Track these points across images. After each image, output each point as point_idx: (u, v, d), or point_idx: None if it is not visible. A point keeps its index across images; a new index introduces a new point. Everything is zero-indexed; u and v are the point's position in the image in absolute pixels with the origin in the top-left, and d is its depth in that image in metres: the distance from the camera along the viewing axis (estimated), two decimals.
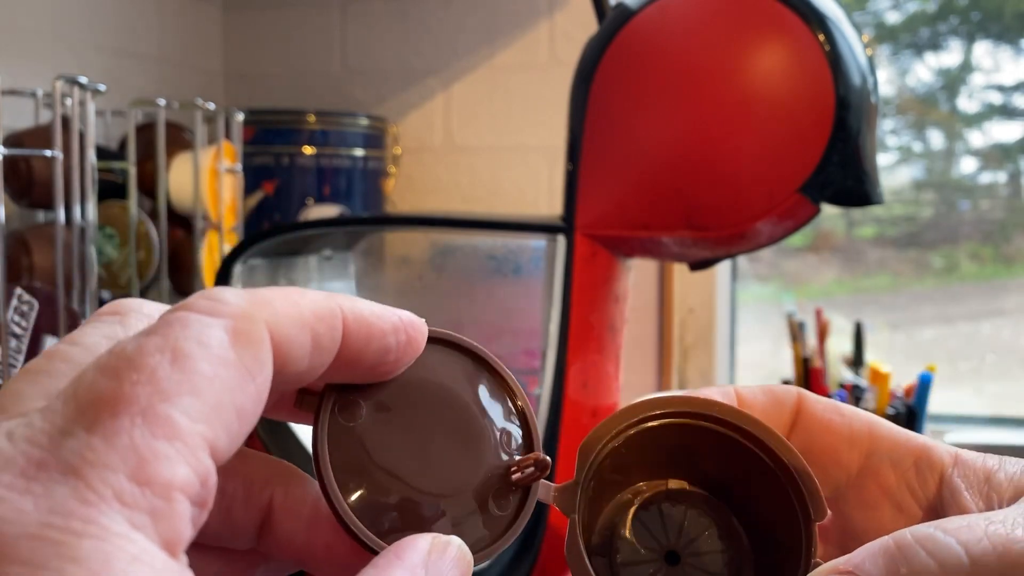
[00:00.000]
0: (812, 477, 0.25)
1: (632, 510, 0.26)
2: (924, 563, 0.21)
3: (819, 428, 0.27)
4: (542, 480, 0.24)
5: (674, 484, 0.26)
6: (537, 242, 0.80)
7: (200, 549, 0.23)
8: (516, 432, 0.24)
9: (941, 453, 0.26)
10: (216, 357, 0.18)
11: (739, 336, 1.37)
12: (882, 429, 0.26)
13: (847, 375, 1.12)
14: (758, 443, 0.25)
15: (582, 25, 1.26)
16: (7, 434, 0.16)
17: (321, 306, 0.20)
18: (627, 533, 0.26)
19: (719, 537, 0.26)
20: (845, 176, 0.63)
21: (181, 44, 1.32)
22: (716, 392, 0.26)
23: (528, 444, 0.24)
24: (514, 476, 0.23)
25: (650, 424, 0.26)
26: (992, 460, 0.25)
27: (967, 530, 0.21)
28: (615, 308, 0.75)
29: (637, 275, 1.23)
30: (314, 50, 1.38)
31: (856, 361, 1.12)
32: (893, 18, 1.42)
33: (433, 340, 0.23)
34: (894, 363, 1.10)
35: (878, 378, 1.07)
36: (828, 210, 0.65)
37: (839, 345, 1.14)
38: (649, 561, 0.25)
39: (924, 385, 1.04)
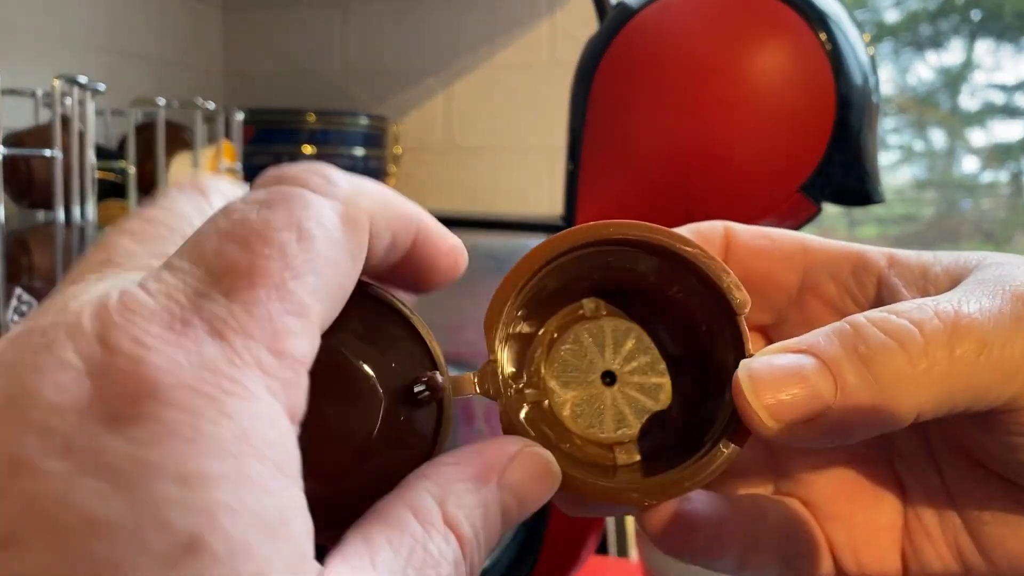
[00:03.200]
0: (726, 270, 0.24)
1: (551, 349, 0.25)
2: (882, 341, 0.21)
3: (751, 255, 0.26)
4: (450, 378, 0.23)
5: (589, 305, 0.26)
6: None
7: None
8: (417, 353, 0.23)
9: (875, 256, 0.25)
10: (331, 239, 0.18)
11: None
12: (814, 244, 0.26)
13: None
14: (665, 250, 0.24)
15: (582, 24, 1.26)
16: (142, 288, 0.17)
17: (404, 210, 0.21)
18: (553, 380, 0.25)
19: (649, 340, 0.25)
20: (846, 175, 0.63)
21: (181, 44, 1.32)
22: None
23: (430, 360, 0.23)
24: (419, 396, 0.22)
25: (548, 267, 0.25)
26: (927, 255, 0.25)
27: (918, 311, 0.21)
28: None
29: None
30: (314, 50, 1.39)
31: None
32: (893, 16, 1.42)
33: None
34: None
35: None
36: (829, 209, 0.65)
37: None
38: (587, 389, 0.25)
39: None
